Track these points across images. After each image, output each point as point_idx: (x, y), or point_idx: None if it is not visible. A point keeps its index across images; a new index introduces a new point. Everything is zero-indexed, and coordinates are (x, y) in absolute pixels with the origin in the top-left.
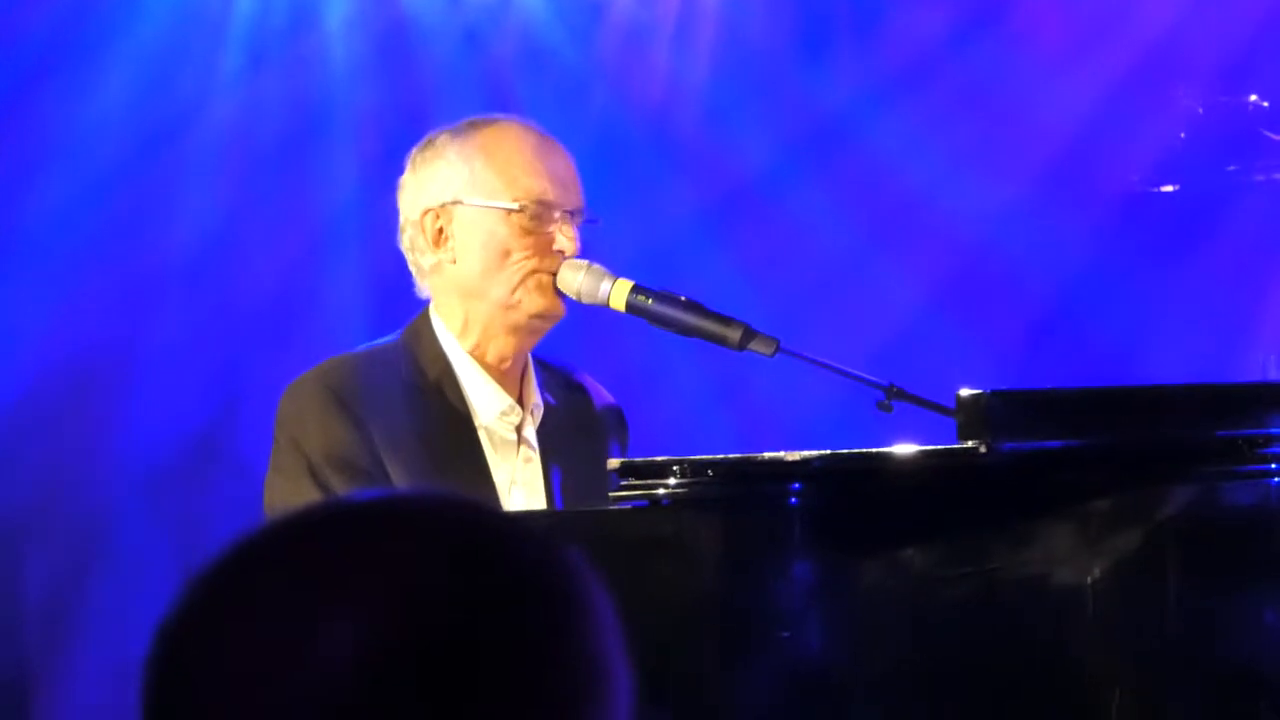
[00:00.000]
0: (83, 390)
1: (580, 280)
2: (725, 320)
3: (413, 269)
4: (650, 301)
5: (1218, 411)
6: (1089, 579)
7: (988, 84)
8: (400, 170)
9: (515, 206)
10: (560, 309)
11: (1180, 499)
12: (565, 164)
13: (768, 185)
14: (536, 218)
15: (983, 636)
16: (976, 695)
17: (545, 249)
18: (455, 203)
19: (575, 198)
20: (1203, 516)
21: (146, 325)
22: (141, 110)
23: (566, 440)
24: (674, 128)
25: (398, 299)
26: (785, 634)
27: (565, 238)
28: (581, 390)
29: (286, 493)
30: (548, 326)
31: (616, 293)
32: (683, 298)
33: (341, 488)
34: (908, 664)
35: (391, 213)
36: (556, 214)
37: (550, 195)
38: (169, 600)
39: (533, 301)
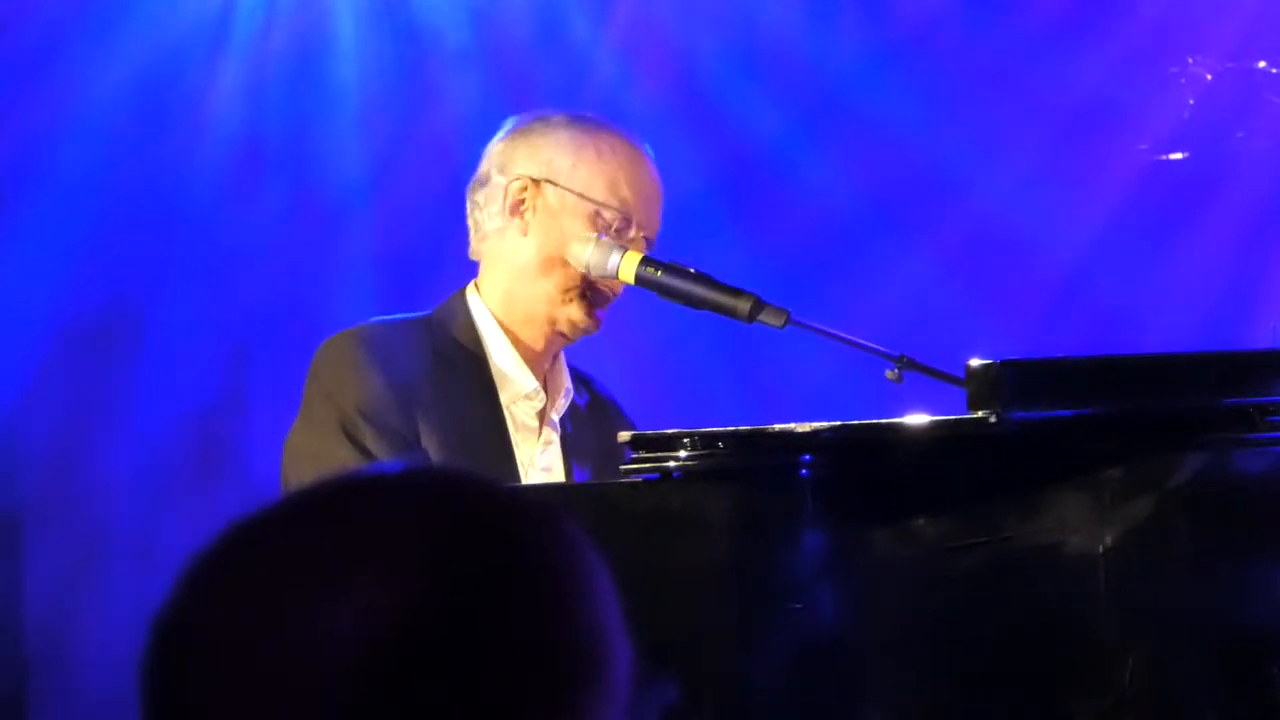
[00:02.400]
0: (89, 370)
1: (589, 253)
2: (735, 292)
3: (470, 224)
4: (659, 273)
5: (1228, 379)
6: (1101, 547)
7: (997, 52)
8: (407, 145)
9: (600, 209)
10: (594, 328)
11: (1191, 467)
12: (658, 194)
13: (777, 155)
14: (617, 230)
15: (995, 606)
16: (989, 665)
17: None
18: (550, 182)
19: (654, 229)
20: (1214, 484)
21: (153, 304)
22: (149, 87)
23: (586, 437)
24: (682, 99)
25: (405, 277)
26: (797, 606)
27: None
28: (597, 394)
29: (315, 446)
30: (576, 338)
31: (625, 265)
32: (692, 269)
33: (372, 443)
34: (920, 635)
35: (399, 187)
36: (633, 233)
37: (638, 216)
38: (170, 582)
39: (573, 312)
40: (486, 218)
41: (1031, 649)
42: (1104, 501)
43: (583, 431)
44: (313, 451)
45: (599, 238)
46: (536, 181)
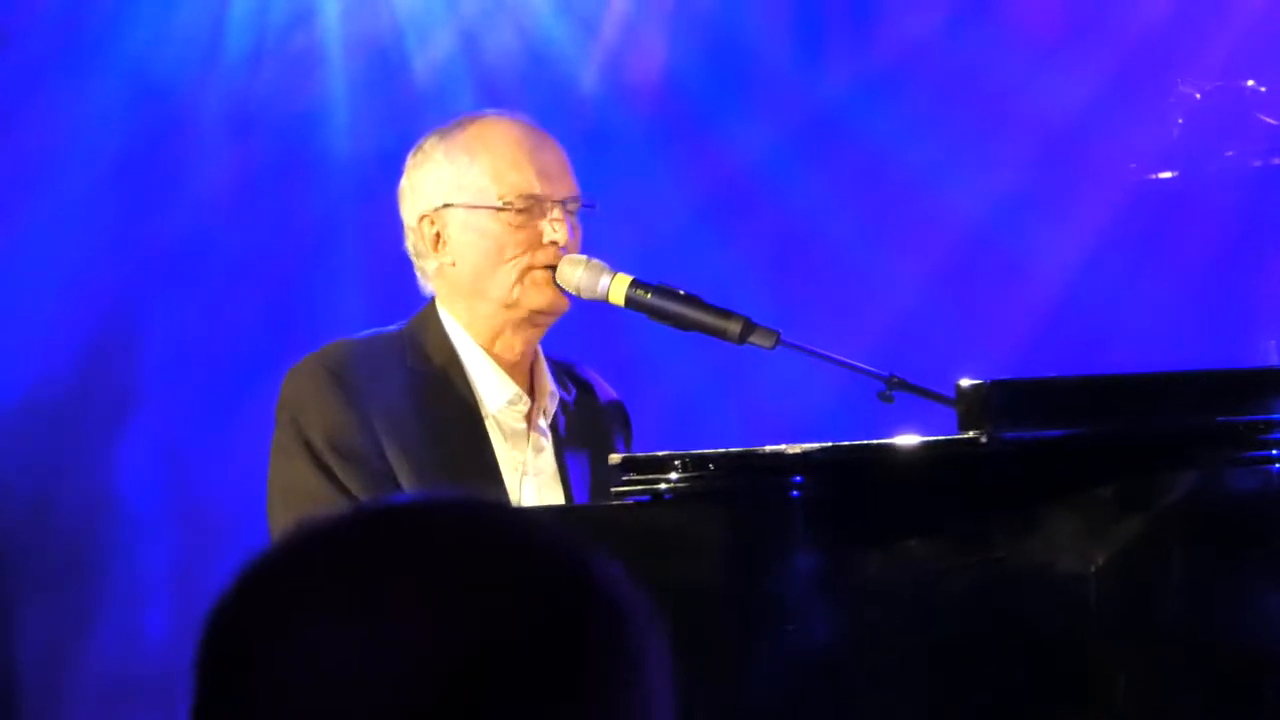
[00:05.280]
0: (82, 397)
1: (579, 275)
2: (725, 313)
3: (418, 273)
4: (649, 296)
5: (1219, 398)
6: (1092, 567)
7: (985, 72)
8: (396, 167)
9: (500, 204)
10: (563, 303)
11: (1182, 486)
12: (553, 154)
13: (766, 177)
14: (526, 212)
15: (986, 626)
16: (981, 684)
17: (538, 242)
18: (446, 206)
19: (565, 187)
20: (1205, 503)
21: (148, 326)
22: (139, 109)
23: (579, 433)
24: (671, 121)
25: (397, 296)
26: (790, 627)
27: (554, 229)
28: (587, 385)
29: (287, 474)
30: (551, 321)
31: (616, 287)
32: (682, 292)
33: (341, 470)
34: (912, 655)
35: (387, 206)
36: (546, 205)
37: (537, 188)
38: (224, 586)
39: (532, 299)
40: (423, 262)
41: (1023, 669)
42: (1095, 521)
43: (575, 427)
44: (285, 480)
45: (589, 260)
46: (437, 211)
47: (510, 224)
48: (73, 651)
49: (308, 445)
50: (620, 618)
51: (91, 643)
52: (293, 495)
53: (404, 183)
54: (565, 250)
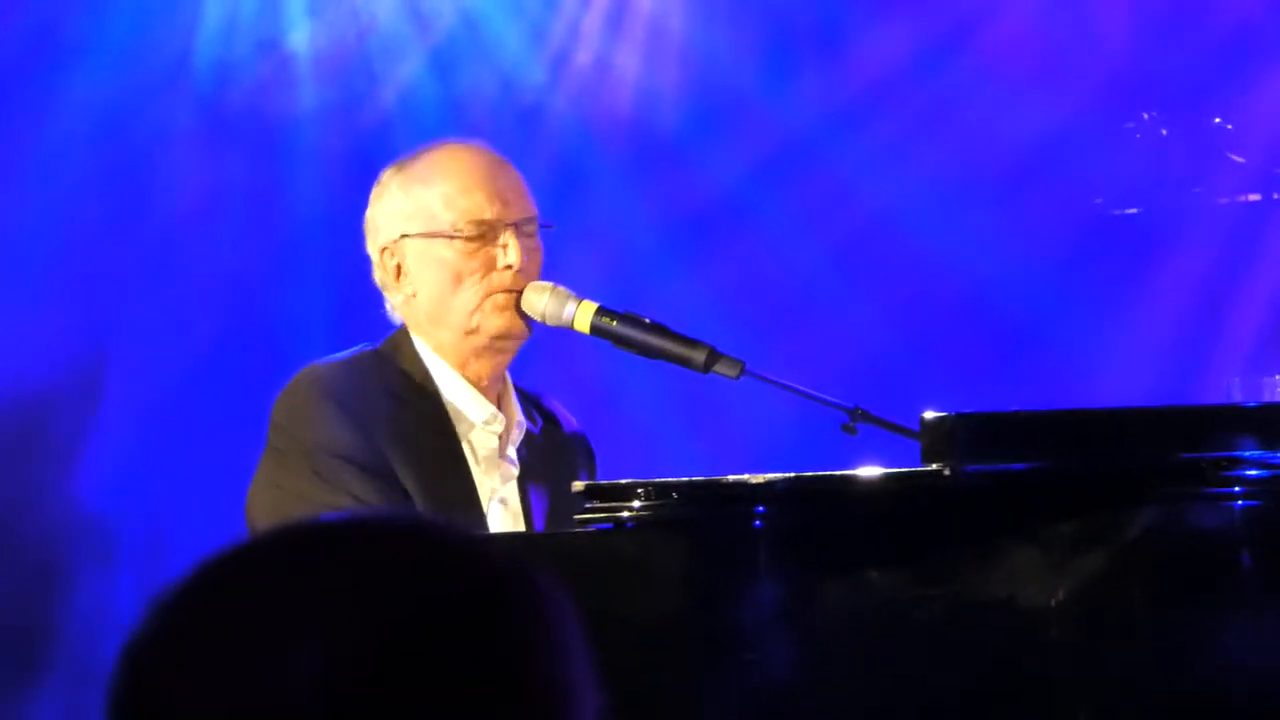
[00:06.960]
0: (51, 407)
1: (545, 302)
2: (690, 342)
3: (387, 306)
4: (615, 324)
5: (1182, 434)
6: (1053, 600)
7: (952, 106)
8: (365, 190)
9: (453, 231)
10: (522, 328)
11: (1144, 521)
12: (507, 176)
13: (733, 207)
14: (480, 237)
15: (947, 658)
16: (941, 716)
17: (494, 266)
18: (404, 237)
19: (519, 209)
20: (1167, 538)
21: (117, 337)
22: (107, 123)
23: (542, 465)
24: (640, 149)
25: (365, 311)
26: (750, 656)
27: (507, 251)
28: (551, 417)
29: (294, 496)
30: (516, 346)
31: (581, 315)
32: (647, 320)
33: (353, 482)
34: (872, 686)
35: (356, 224)
36: (499, 229)
37: (489, 213)
38: (134, 621)
39: (491, 323)
40: (390, 295)
41: (983, 702)
42: (1057, 555)
43: (539, 458)
44: (294, 502)
45: (554, 286)
46: (395, 243)
47: (464, 250)
48: (37, 660)
49: (312, 460)
50: (538, 630)
51: (53, 657)
52: (302, 511)
53: (366, 216)
54: (522, 272)
